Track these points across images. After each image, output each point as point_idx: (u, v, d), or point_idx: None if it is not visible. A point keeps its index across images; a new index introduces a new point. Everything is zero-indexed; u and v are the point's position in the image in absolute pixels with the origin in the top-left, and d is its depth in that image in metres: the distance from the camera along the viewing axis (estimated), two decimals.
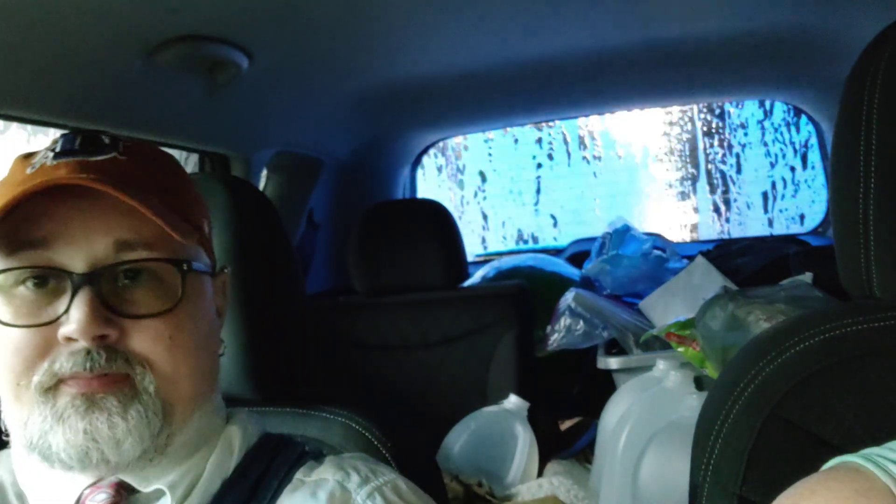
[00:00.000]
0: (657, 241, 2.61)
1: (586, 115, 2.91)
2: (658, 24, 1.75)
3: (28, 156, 0.76)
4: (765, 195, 3.44)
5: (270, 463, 0.78)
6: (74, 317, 0.67)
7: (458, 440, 1.88)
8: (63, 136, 0.75)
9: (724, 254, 2.47)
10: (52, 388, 0.68)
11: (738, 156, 3.55)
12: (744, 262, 2.36)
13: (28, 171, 0.73)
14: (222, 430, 0.80)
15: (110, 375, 0.69)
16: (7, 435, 0.76)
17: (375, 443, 0.97)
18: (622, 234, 2.57)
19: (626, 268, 2.40)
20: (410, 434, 1.06)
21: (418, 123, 2.77)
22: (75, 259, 0.69)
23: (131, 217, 0.70)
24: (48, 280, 0.70)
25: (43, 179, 0.69)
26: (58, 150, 0.73)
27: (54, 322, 0.69)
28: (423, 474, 0.84)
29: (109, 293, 0.70)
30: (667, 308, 2.07)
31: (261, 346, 0.97)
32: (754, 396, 0.86)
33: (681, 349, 1.74)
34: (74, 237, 0.69)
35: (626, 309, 2.21)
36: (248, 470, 0.77)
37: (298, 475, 0.77)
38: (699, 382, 1.62)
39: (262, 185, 2.43)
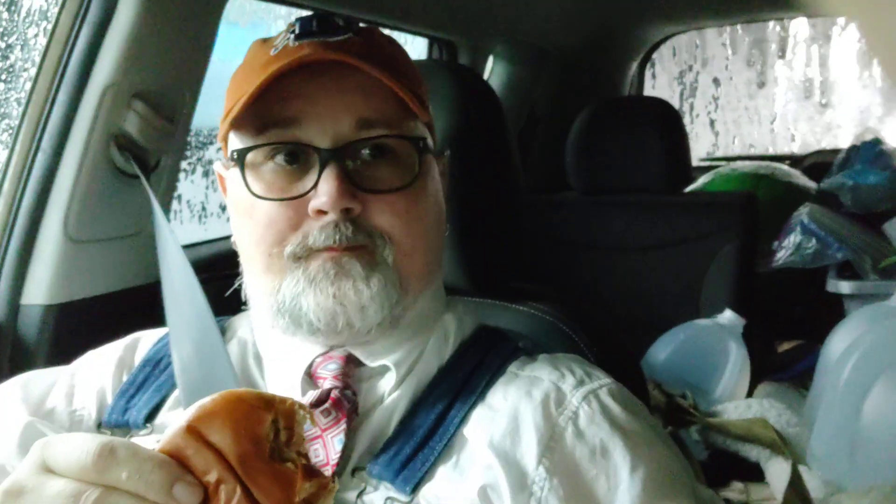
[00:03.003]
0: None
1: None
2: None
3: (265, 41, 0.79)
4: None
5: (485, 355, 0.79)
6: (324, 190, 0.71)
7: (665, 350, 1.83)
8: (299, 20, 0.77)
9: None
10: (303, 257, 0.73)
11: None
12: None
13: (272, 52, 0.75)
14: (441, 317, 0.82)
15: (355, 247, 0.72)
16: (247, 305, 0.82)
17: (581, 345, 0.96)
18: (871, 147, 2.33)
19: (871, 184, 2.18)
20: (617, 339, 1.03)
21: (651, 14, 2.62)
22: (321, 136, 0.72)
23: (371, 96, 0.73)
24: (297, 156, 0.74)
25: (292, 58, 0.72)
26: (297, 32, 0.76)
27: (304, 196, 0.73)
28: (626, 379, 0.81)
29: (352, 169, 0.73)
30: None
31: (476, 236, 0.98)
32: None
33: None
34: (321, 116, 0.73)
35: (867, 230, 2.03)
36: (463, 359, 0.79)
37: (512, 368, 0.78)
38: None
39: (486, 75, 2.43)
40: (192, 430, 0.48)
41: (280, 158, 0.74)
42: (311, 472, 0.49)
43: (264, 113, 0.73)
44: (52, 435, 0.48)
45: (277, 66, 0.71)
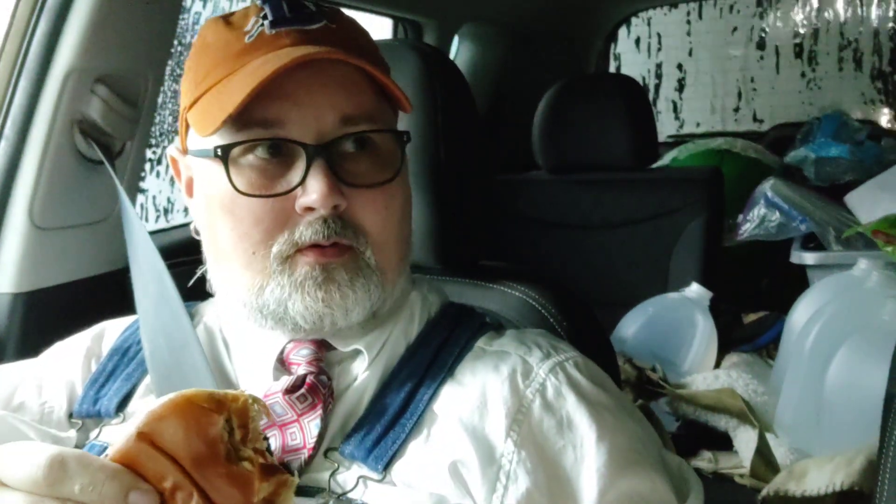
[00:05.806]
0: (872, 130, 2.38)
1: None
2: None
3: (228, 22, 0.76)
4: None
5: (452, 331, 0.80)
6: (314, 187, 0.70)
7: (635, 324, 1.86)
8: (266, 1, 0.75)
9: None
10: (289, 257, 0.72)
11: None
12: None
13: (246, 39, 0.73)
14: (407, 296, 0.83)
15: (340, 245, 0.72)
16: (213, 294, 0.82)
17: (551, 320, 0.97)
18: (833, 120, 2.37)
19: (834, 157, 2.21)
20: (586, 314, 1.05)
21: None
22: (305, 132, 0.71)
23: (351, 91, 0.73)
24: (279, 151, 0.72)
25: (287, 58, 0.69)
26: (271, 18, 0.74)
27: (290, 192, 0.71)
28: (597, 354, 0.83)
29: (337, 165, 0.72)
30: (876, 203, 1.91)
31: (446, 216, 0.98)
32: None
33: (888, 249, 1.61)
34: (305, 113, 0.71)
35: (830, 202, 2.06)
36: (430, 337, 0.80)
37: (479, 344, 0.79)
38: None
39: (452, 55, 2.42)
40: (144, 437, 0.46)
41: (261, 152, 0.72)
42: (269, 470, 0.48)
43: (245, 110, 0.70)
44: (3, 445, 0.47)
45: (271, 63, 0.69)
